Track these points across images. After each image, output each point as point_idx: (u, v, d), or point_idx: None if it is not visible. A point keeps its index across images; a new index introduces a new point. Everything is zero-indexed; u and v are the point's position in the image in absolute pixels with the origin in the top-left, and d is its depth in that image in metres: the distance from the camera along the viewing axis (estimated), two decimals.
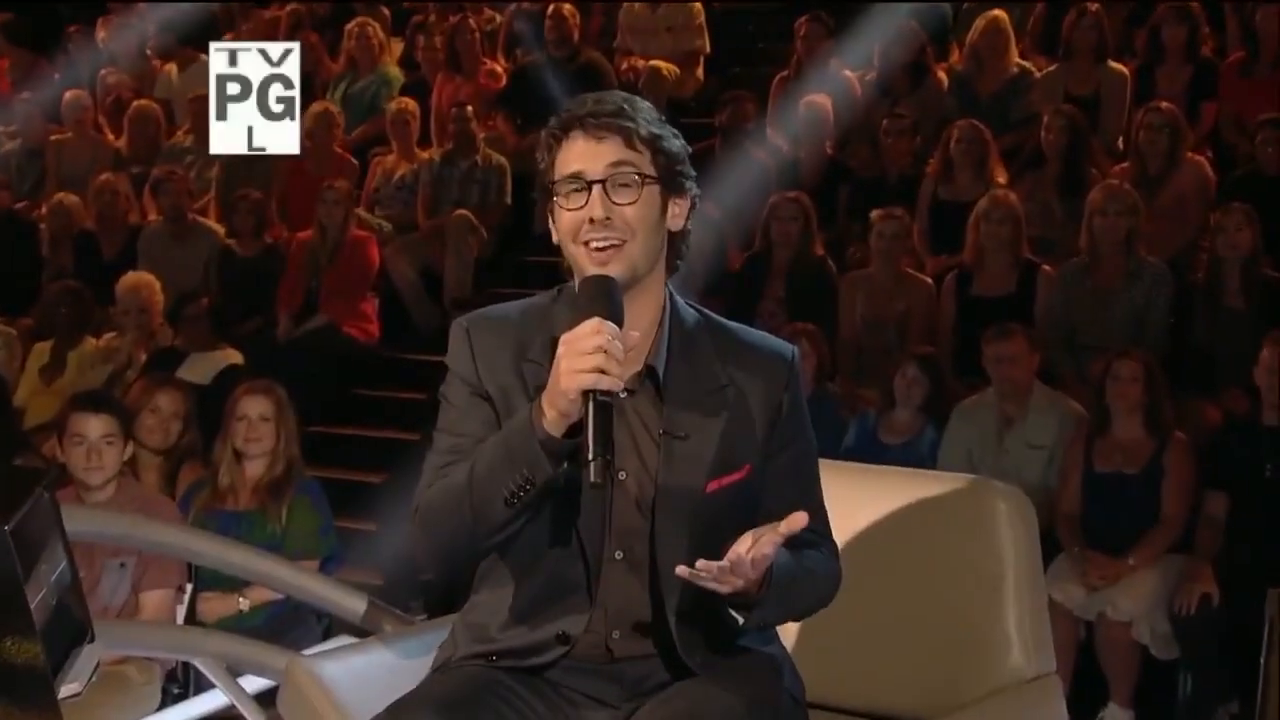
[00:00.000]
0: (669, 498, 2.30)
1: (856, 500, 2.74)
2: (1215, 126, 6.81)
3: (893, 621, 2.70)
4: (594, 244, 2.29)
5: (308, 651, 2.81)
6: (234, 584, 4.59)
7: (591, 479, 2.15)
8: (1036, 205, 6.41)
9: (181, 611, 4.37)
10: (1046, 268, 6.06)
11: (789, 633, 2.56)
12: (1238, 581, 4.86)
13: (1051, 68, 7.25)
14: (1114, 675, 4.97)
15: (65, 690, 2.37)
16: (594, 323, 2.17)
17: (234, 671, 3.31)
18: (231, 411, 4.84)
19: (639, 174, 2.31)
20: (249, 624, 4.57)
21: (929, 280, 6.29)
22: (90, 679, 2.78)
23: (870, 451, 5.45)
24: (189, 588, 4.40)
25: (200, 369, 6.64)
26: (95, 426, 4.39)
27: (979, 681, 2.59)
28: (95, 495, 4.39)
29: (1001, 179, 6.57)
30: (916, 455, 5.44)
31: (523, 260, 7.63)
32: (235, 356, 6.79)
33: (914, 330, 6.17)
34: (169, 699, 4.29)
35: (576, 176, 2.30)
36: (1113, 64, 7.09)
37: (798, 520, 2.17)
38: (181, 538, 3.82)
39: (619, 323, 2.20)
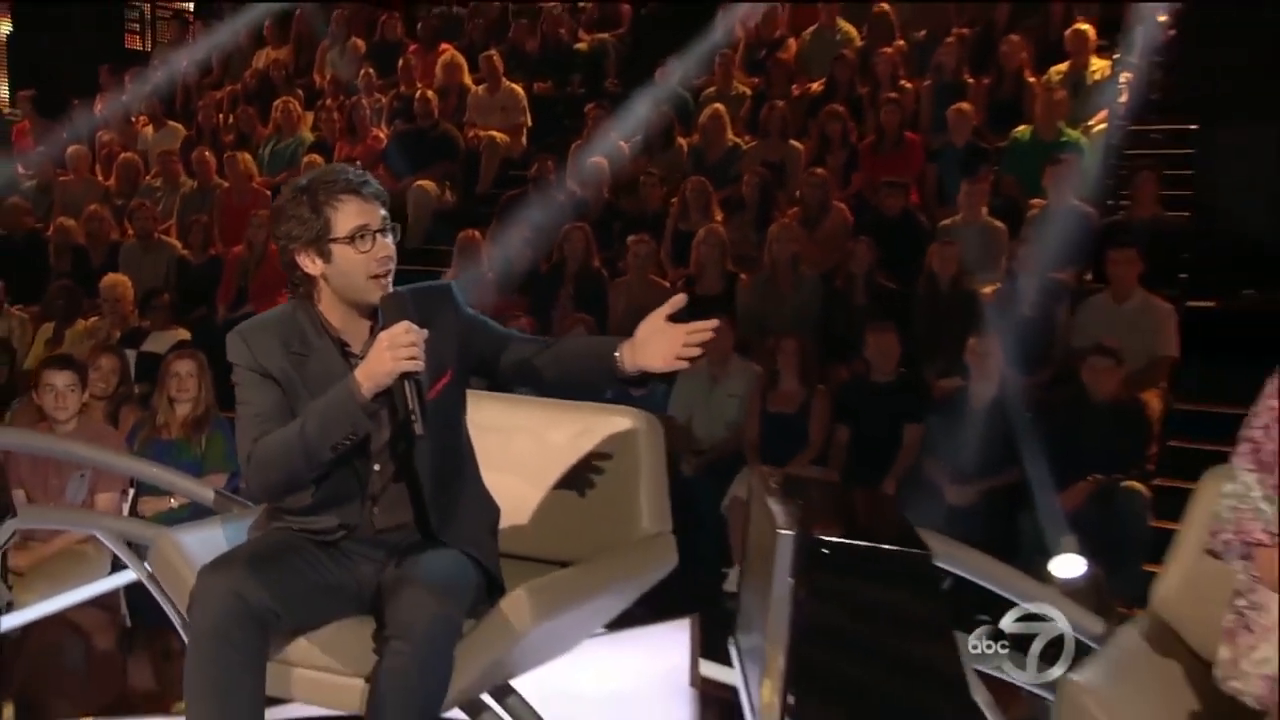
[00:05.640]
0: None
1: (553, 425, 2.73)
2: (859, 188, 7.03)
3: (566, 499, 2.67)
4: (384, 277, 2.24)
5: (175, 528, 2.59)
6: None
7: (418, 432, 2.18)
8: (738, 235, 6.51)
9: (126, 507, 4.30)
10: (744, 277, 6.17)
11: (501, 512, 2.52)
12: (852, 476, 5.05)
13: (754, 143, 7.34)
14: (735, 544, 4.92)
15: None
16: (407, 324, 2.17)
17: (135, 547, 3.18)
18: (166, 370, 4.78)
19: (391, 227, 2.31)
20: (178, 517, 4.44)
21: (668, 284, 6.35)
22: (8, 542, 2.73)
23: (619, 398, 5.51)
24: (131, 491, 4.34)
25: (160, 343, 6.48)
26: (61, 379, 4.31)
27: (620, 536, 2.61)
28: (62, 428, 4.30)
29: (718, 217, 6.65)
30: (655, 402, 5.48)
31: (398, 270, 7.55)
32: (185, 334, 6.63)
33: None
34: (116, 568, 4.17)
35: (365, 228, 2.24)
36: (793, 142, 7.21)
37: (676, 301, 2.25)
38: (123, 461, 3.80)
39: (418, 325, 2.19)
